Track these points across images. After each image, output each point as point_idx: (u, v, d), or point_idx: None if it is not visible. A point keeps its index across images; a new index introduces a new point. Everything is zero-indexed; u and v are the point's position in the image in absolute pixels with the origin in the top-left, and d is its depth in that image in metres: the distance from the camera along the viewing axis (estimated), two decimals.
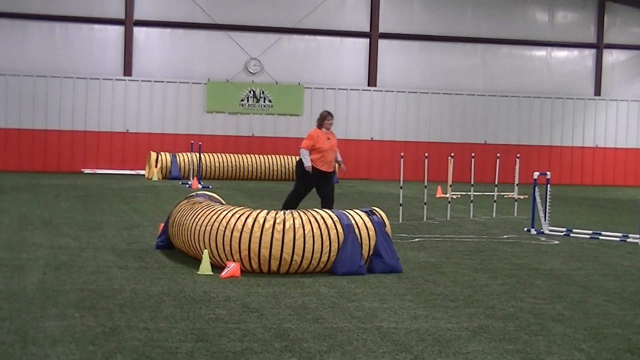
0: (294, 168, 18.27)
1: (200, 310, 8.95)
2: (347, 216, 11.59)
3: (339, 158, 17.41)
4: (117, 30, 34.27)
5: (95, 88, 33.92)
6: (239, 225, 11.21)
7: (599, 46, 37.98)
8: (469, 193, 21.22)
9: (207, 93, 34.71)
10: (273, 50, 35.30)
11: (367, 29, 36.15)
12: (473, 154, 23.37)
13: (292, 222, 11.19)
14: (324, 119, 17.12)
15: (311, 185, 17.13)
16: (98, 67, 34.11)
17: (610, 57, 38.35)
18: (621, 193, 32.04)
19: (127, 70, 34.21)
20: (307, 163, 16.74)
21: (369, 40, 36.14)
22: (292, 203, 16.97)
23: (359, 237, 11.47)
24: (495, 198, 21.36)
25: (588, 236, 16.98)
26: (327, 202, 16.98)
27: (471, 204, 20.99)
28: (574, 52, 38.19)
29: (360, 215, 11.71)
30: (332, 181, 17.29)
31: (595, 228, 18.17)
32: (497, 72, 37.36)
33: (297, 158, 17.43)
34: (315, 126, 17.32)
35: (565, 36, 37.86)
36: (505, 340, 8.09)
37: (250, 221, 11.20)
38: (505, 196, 24.80)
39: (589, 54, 38.19)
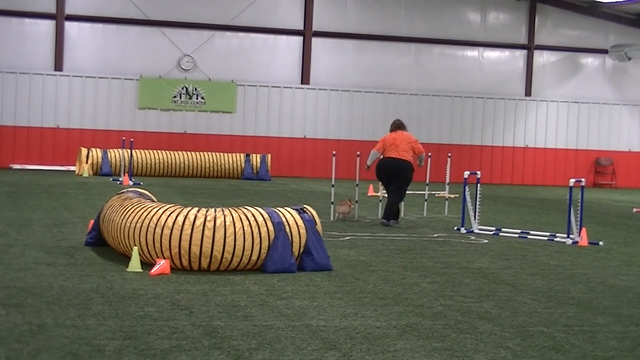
0: (406, 171, 18.76)
1: (129, 308, 8.89)
2: (278, 214, 11.59)
3: None
4: (48, 25, 33.91)
5: (25, 83, 33.54)
6: (170, 222, 11.16)
7: (530, 47, 38.43)
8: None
9: (140, 89, 34.51)
10: (206, 47, 35.18)
11: (301, 27, 36.19)
12: None
13: (222, 219, 11.17)
14: None
15: None
16: (28, 61, 33.73)
17: (541, 58, 38.82)
18: (550, 193, 32.45)
19: (58, 65, 33.88)
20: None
21: (302, 38, 36.18)
22: None
23: (289, 235, 11.48)
24: (426, 197, 21.51)
25: (517, 235, 17.18)
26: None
27: (402, 203, 21.10)
28: (506, 53, 38.58)
29: (291, 213, 11.72)
30: None
31: (524, 227, 18.39)
32: (430, 71, 37.62)
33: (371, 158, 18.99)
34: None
35: (497, 37, 38.24)
36: (433, 338, 8.15)
37: (180, 218, 11.16)
38: (436, 195, 24.98)
39: (520, 54, 38.61)
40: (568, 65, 39.18)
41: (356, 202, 19.78)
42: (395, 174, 18.56)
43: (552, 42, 38.81)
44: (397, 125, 19.04)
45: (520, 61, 38.65)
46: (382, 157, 18.67)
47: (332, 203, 19.03)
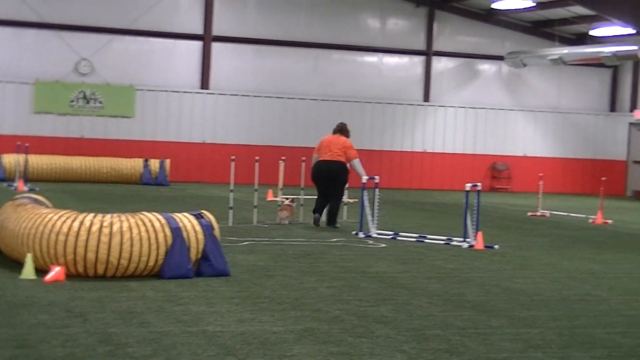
0: (339, 173, 19.66)
1: (22, 316, 8.74)
2: (176, 219, 11.52)
3: None
4: None
5: None
6: (65, 228, 11.01)
7: (428, 53, 38.85)
8: (300, 197, 21.39)
9: (36, 93, 33.94)
10: (104, 51, 34.79)
11: (200, 31, 36.02)
12: (304, 158, 23.55)
13: (119, 225, 11.06)
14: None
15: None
16: None
17: (439, 64, 39.28)
18: (448, 197, 32.85)
19: None
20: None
21: (202, 43, 36.02)
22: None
23: (187, 240, 11.42)
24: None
25: (414, 239, 17.35)
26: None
27: (301, 208, 21.14)
28: (405, 59, 38.94)
29: (188, 219, 11.66)
30: None
31: (421, 231, 18.56)
32: (329, 77, 37.76)
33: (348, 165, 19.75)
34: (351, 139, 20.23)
35: (396, 43, 38.57)
36: (330, 342, 8.18)
37: (76, 224, 11.01)
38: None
39: (419, 60, 39.01)
40: (465, 71, 39.72)
41: (255, 207, 19.74)
42: (328, 178, 19.39)
43: (450, 49, 39.29)
44: (339, 129, 20.02)
45: (419, 67, 39.05)
46: (318, 159, 19.60)
47: (231, 208, 18.97)
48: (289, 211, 20.22)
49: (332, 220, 19.46)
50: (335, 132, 20.01)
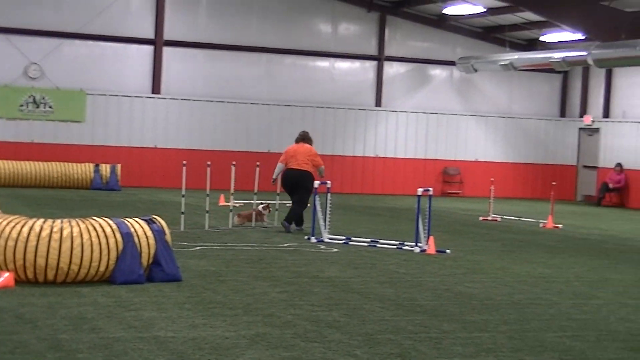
0: (305, 181, 20.14)
1: None
2: (127, 224, 11.45)
3: None
4: None
5: None
6: (14, 234, 10.91)
7: (380, 58, 38.95)
8: (252, 201, 21.36)
9: None
10: (54, 55, 34.50)
11: (152, 35, 35.84)
12: (258, 163, 23.53)
13: (69, 230, 10.97)
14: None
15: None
16: None
17: (391, 69, 39.37)
18: (400, 202, 32.95)
19: None
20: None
21: (153, 47, 35.84)
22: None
23: (138, 245, 11.36)
24: (277, 206, 21.58)
25: (366, 244, 17.38)
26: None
27: (254, 212, 21.11)
28: (356, 64, 39.00)
29: (140, 224, 11.60)
30: None
31: (373, 236, 18.61)
32: (281, 81, 37.73)
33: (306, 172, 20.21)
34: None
35: (347, 48, 38.62)
36: (282, 347, 8.17)
37: (25, 230, 10.92)
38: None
39: (371, 65, 39.08)
40: (417, 77, 39.85)
41: (207, 212, 19.68)
42: (296, 184, 20.04)
43: (401, 54, 39.40)
44: (302, 138, 20.92)
45: (371, 72, 39.13)
46: (286, 168, 20.24)
47: (183, 213, 18.90)
48: (246, 217, 20.39)
49: (289, 218, 19.77)
50: (298, 140, 20.76)
